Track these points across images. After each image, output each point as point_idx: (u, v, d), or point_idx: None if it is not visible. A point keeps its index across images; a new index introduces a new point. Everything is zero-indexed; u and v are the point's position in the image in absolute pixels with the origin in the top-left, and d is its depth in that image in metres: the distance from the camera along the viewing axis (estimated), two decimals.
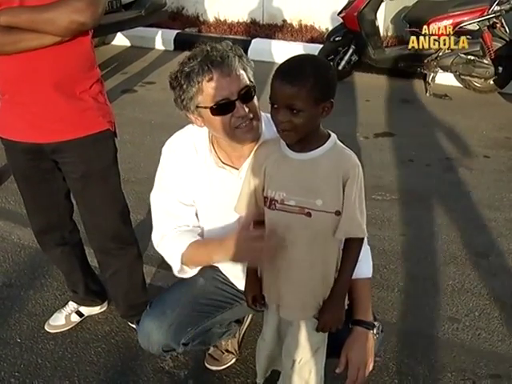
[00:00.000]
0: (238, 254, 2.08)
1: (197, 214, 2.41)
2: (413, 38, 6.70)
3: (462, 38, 6.50)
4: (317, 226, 1.95)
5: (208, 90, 2.08)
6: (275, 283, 2.08)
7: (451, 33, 6.58)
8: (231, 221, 2.29)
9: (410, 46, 6.75)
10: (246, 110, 2.09)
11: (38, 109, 2.45)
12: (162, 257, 2.42)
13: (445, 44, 6.58)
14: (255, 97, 2.16)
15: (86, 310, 3.17)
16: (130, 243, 2.90)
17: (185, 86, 2.10)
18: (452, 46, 6.55)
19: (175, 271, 2.37)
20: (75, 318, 3.15)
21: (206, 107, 2.10)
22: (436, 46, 6.62)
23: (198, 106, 2.13)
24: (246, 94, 2.11)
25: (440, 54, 6.79)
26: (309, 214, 1.93)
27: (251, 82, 2.15)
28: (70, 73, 2.45)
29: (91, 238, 2.88)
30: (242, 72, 2.12)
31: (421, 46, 6.67)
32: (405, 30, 7.21)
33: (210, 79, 2.07)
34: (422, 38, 6.63)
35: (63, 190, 2.77)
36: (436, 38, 6.62)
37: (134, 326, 3.07)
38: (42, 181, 2.71)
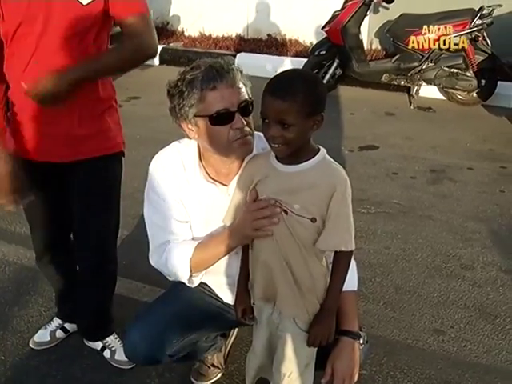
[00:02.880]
0: (247, 229, 2.07)
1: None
2: (412, 38, 6.78)
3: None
4: (292, 224, 1.97)
5: (210, 98, 2.08)
6: (269, 281, 2.09)
7: (433, 46, 6.66)
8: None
9: (410, 46, 6.82)
10: (244, 123, 2.10)
11: (58, 129, 2.46)
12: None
13: (444, 44, 6.65)
14: (252, 114, 2.17)
15: (71, 327, 3.15)
16: (113, 258, 2.91)
17: (186, 93, 2.10)
18: (452, 47, 6.61)
19: (185, 279, 2.32)
20: (60, 335, 3.12)
21: (205, 116, 2.10)
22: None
23: (196, 115, 2.12)
24: (245, 108, 2.12)
25: (423, 67, 6.86)
26: (285, 212, 1.96)
27: (250, 98, 2.16)
28: (93, 92, 2.48)
29: (82, 256, 2.86)
30: (242, 86, 2.14)
31: (420, 46, 6.77)
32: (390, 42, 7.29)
33: (214, 88, 2.07)
34: (421, 37, 6.71)
35: (66, 207, 2.75)
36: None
37: (93, 345, 3.05)
38: (49, 196, 2.71)
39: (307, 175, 1.96)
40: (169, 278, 2.39)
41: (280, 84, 1.88)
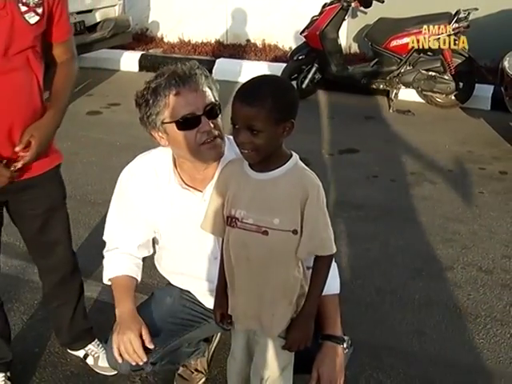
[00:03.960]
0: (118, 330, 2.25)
1: (154, 240, 2.49)
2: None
3: (462, 37, 6.60)
4: (273, 244, 1.96)
5: (174, 104, 2.10)
6: (237, 300, 2.09)
7: (411, 50, 6.72)
8: (193, 242, 2.33)
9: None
10: (212, 125, 2.12)
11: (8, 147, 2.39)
12: None
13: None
14: (220, 116, 2.18)
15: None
16: (78, 269, 2.91)
17: (151, 102, 2.12)
18: (452, 46, 6.63)
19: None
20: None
21: (171, 122, 2.12)
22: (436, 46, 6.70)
23: (163, 122, 2.14)
24: (212, 111, 2.14)
25: (402, 70, 6.91)
26: (266, 233, 1.95)
27: (216, 100, 2.18)
28: (34, 107, 2.43)
29: (44, 271, 2.82)
30: (207, 89, 2.15)
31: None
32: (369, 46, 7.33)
33: (177, 93, 2.10)
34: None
35: None
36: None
37: (75, 353, 3.04)
38: None
39: (279, 183, 1.95)
40: None
41: (248, 90, 1.88)
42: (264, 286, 2.02)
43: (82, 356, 3.02)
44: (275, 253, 1.98)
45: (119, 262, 2.44)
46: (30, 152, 2.36)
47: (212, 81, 2.20)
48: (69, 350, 3.06)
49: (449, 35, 6.54)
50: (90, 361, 2.99)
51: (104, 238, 2.54)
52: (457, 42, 6.60)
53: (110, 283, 2.46)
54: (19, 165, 2.36)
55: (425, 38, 6.60)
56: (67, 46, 2.55)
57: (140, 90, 2.18)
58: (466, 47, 6.66)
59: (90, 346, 3.01)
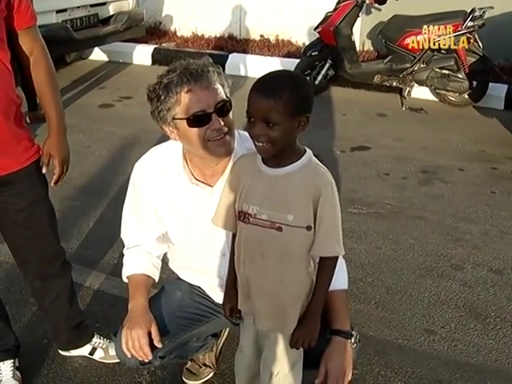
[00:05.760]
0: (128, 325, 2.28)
1: (164, 235, 2.47)
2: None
3: (462, 37, 6.57)
4: (287, 240, 1.96)
5: (186, 101, 2.10)
6: (249, 296, 2.09)
7: (425, 48, 6.69)
8: (202, 237, 2.33)
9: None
10: (222, 123, 2.12)
11: None
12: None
13: (436, 45, 6.67)
14: (231, 112, 2.18)
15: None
16: (67, 260, 2.86)
17: (163, 97, 2.13)
18: (452, 46, 6.62)
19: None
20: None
21: (182, 118, 2.12)
22: (436, 46, 6.69)
23: (174, 118, 2.14)
24: (223, 108, 2.13)
25: (415, 68, 6.88)
26: (280, 229, 1.94)
27: (228, 97, 2.17)
28: (8, 97, 2.40)
29: (32, 267, 2.76)
30: (219, 86, 2.15)
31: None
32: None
33: (189, 90, 2.09)
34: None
35: None
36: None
37: (78, 353, 3.01)
38: None
39: (292, 179, 1.95)
40: None
41: (265, 82, 1.88)
42: (277, 283, 2.02)
43: (87, 353, 2.99)
44: (290, 249, 1.97)
45: (137, 261, 2.46)
46: (57, 170, 2.55)
47: (224, 77, 2.20)
48: (72, 352, 3.01)
49: (463, 33, 6.51)
50: (98, 354, 2.98)
51: (121, 236, 2.56)
52: (471, 41, 6.57)
53: (127, 281, 2.48)
54: (52, 184, 2.61)
55: (439, 36, 6.57)
56: (32, 33, 2.52)
57: (151, 84, 2.18)
58: (480, 46, 6.63)
59: (95, 339, 3.00)
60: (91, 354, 3.00)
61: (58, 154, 2.55)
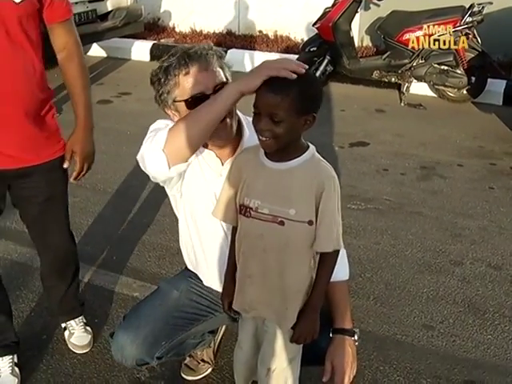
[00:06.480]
0: (264, 69, 1.90)
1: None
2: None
3: (462, 37, 6.57)
4: (290, 234, 1.95)
5: (184, 83, 2.11)
6: (246, 292, 2.09)
7: (424, 43, 6.68)
8: (204, 216, 2.29)
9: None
10: None
11: (5, 134, 2.40)
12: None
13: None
14: None
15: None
16: (76, 254, 2.95)
17: (163, 80, 2.14)
18: (452, 46, 6.62)
19: (164, 166, 2.09)
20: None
21: (181, 101, 2.13)
22: (436, 47, 6.69)
23: (174, 101, 2.15)
24: None
25: (414, 64, 6.88)
26: (281, 223, 1.94)
27: (228, 80, 2.17)
28: (33, 93, 2.42)
29: (45, 253, 2.86)
30: (218, 69, 2.15)
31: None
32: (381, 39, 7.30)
33: (187, 73, 2.11)
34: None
35: None
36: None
37: (63, 325, 3.10)
38: None
39: (295, 173, 1.95)
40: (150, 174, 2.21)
41: (276, 78, 1.86)
42: (279, 278, 2.02)
43: (62, 327, 3.10)
44: (291, 243, 1.97)
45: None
46: (77, 166, 2.61)
47: (225, 61, 2.20)
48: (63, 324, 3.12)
49: (462, 29, 6.51)
50: (66, 334, 3.06)
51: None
52: (469, 37, 6.57)
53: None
54: (71, 180, 2.69)
55: (438, 32, 6.57)
56: (69, 26, 2.49)
57: (155, 68, 2.21)
58: (479, 41, 6.63)
59: (71, 322, 3.05)
60: (64, 330, 3.09)
61: (80, 151, 2.59)
